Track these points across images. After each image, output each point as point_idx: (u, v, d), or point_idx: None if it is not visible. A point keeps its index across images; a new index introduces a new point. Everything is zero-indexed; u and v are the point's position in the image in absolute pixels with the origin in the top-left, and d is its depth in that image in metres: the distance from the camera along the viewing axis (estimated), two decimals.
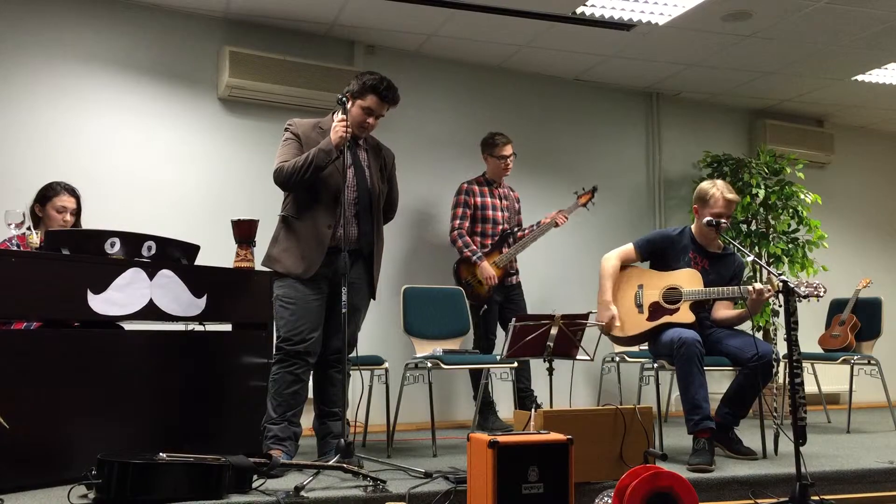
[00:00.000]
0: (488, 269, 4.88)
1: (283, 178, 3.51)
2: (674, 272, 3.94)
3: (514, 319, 3.55)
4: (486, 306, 4.93)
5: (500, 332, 4.98)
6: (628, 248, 4.07)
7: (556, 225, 5.08)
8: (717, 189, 3.94)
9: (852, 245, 7.22)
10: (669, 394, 5.76)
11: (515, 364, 4.38)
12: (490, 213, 5.05)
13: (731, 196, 3.93)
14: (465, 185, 5.09)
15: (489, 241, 5.01)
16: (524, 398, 4.89)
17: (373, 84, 3.58)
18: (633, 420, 3.29)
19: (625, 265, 4.05)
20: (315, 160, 3.45)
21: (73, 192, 3.84)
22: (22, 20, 4.70)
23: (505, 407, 5.17)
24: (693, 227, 4.07)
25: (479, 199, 5.05)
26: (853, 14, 5.07)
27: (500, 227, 5.05)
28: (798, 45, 5.59)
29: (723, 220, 3.89)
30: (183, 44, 5.10)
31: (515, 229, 5.14)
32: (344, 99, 3.51)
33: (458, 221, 5.02)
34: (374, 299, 3.79)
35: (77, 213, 3.85)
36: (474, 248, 4.94)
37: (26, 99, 4.68)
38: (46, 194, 3.80)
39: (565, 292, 5.81)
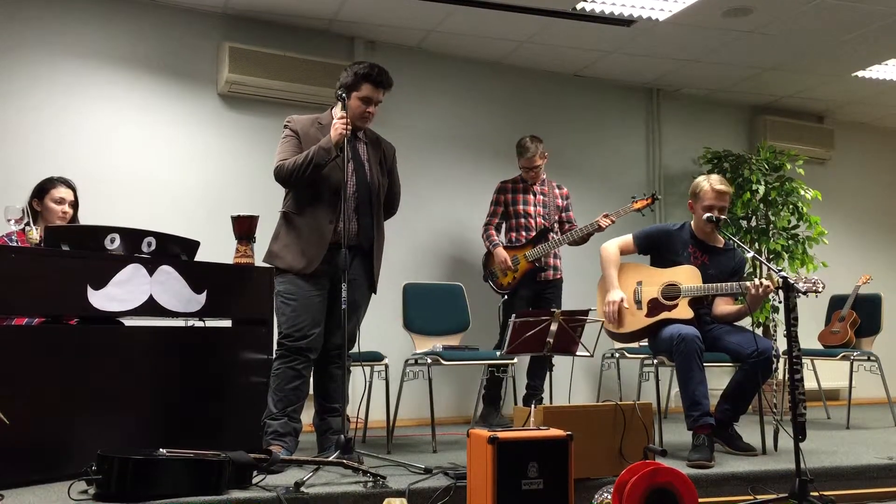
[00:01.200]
0: (501, 254, 4.94)
1: (283, 176, 3.52)
2: (672, 269, 3.94)
3: (513, 315, 3.55)
4: (505, 296, 4.98)
5: None
6: (627, 239, 4.09)
7: (600, 228, 4.94)
8: (707, 181, 3.97)
9: (852, 241, 7.21)
10: (669, 390, 5.76)
11: (515, 360, 4.38)
12: (521, 208, 5.07)
13: (721, 187, 3.94)
14: (500, 184, 5.18)
15: (523, 236, 5.03)
16: (530, 395, 4.89)
17: (365, 73, 3.58)
18: (632, 416, 3.29)
19: (624, 259, 4.06)
20: (315, 158, 3.44)
21: (69, 185, 3.84)
22: (22, 16, 4.69)
23: (506, 403, 5.16)
24: (692, 222, 4.07)
25: (510, 196, 5.11)
26: (853, 10, 5.06)
27: (533, 220, 5.05)
28: (798, 41, 5.59)
29: (721, 214, 3.89)
30: (183, 39, 5.09)
31: (565, 226, 5.13)
32: (343, 94, 3.51)
33: (486, 218, 5.15)
34: (375, 293, 3.79)
35: (75, 205, 3.85)
36: (493, 238, 5.05)
37: (26, 95, 4.67)
38: (44, 187, 3.80)
39: (565, 288, 5.80)
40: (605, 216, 4.97)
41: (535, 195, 5.11)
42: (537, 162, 5.05)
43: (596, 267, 5.69)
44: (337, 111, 3.58)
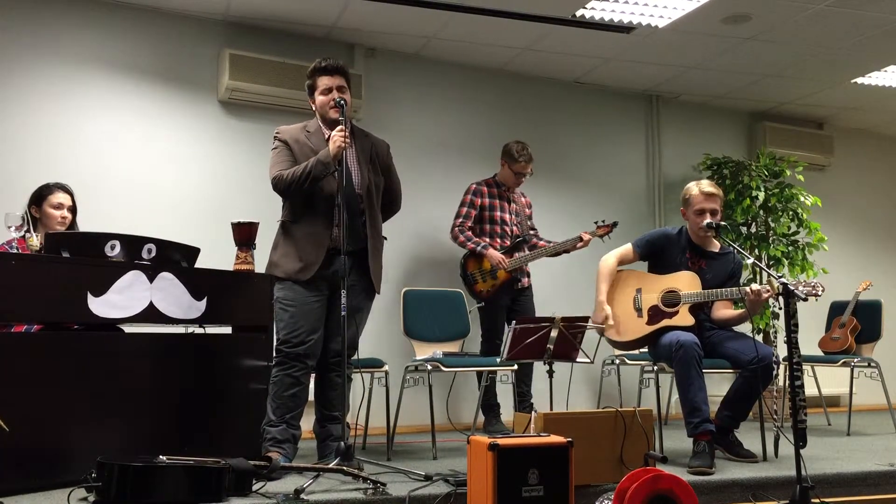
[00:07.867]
0: (496, 255, 4.86)
1: (282, 187, 3.52)
2: (672, 275, 3.93)
3: (513, 322, 3.55)
4: (482, 303, 4.93)
5: None
6: (626, 248, 4.08)
7: (581, 240, 4.89)
8: (696, 185, 3.97)
9: (852, 247, 7.21)
10: (669, 396, 5.76)
11: (515, 367, 4.38)
12: (498, 214, 5.04)
13: (709, 188, 3.93)
14: (474, 186, 5.09)
15: (497, 243, 4.99)
16: (521, 402, 4.89)
17: (313, 69, 3.64)
18: (633, 422, 3.28)
19: (622, 267, 4.06)
20: (313, 171, 3.44)
21: (66, 190, 3.86)
22: (22, 23, 4.71)
23: (505, 410, 5.16)
24: (688, 227, 4.07)
25: (486, 201, 5.04)
26: (852, 17, 5.07)
27: (509, 228, 5.04)
28: (797, 48, 5.60)
29: (713, 217, 3.88)
30: (183, 46, 5.11)
31: (531, 234, 5.12)
32: (342, 102, 3.51)
33: (459, 220, 5.03)
34: (378, 293, 3.73)
35: (73, 210, 3.86)
36: (477, 239, 4.95)
37: (26, 101, 4.68)
38: (41, 194, 3.81)
39: (566, 295, 5.80)
40: (585, 233, 4.95)
41: (509, 203, 5.09)
42: (528, 170, 5.04)
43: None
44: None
